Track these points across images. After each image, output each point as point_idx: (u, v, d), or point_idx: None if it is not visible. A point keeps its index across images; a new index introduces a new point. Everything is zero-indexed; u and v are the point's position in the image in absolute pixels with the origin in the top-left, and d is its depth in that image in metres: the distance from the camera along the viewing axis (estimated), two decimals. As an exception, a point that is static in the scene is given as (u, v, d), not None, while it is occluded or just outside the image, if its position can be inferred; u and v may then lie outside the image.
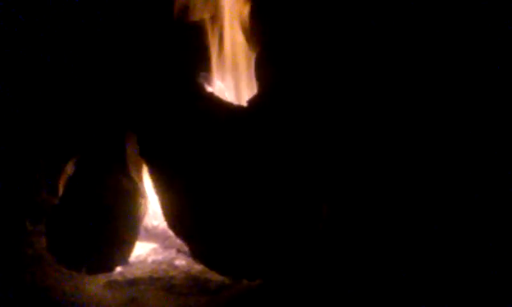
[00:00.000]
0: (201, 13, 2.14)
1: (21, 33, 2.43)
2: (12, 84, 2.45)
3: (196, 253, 2.21)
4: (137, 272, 2.23)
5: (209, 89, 2.15)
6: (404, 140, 2.33)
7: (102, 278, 2.18)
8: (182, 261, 2.29)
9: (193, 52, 2.17)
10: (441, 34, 2.36)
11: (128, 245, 2.23)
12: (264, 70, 2.09)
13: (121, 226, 2.21)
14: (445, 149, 2.37)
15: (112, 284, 2.16)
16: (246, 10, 2.14)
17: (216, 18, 2.16)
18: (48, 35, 2.42)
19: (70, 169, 2.31)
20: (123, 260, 2.22)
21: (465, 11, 2.34)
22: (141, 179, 2.24)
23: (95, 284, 2.16)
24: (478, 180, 2.33)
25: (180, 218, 2.20)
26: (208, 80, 2.18)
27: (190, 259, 2.27)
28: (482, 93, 2.39)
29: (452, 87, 2.39)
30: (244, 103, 2.12)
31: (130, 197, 2.22)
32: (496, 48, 2.37)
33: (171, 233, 2.30)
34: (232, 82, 2.25)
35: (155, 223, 2.40)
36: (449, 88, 2.39)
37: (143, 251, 2.34)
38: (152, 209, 2.37)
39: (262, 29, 2.12)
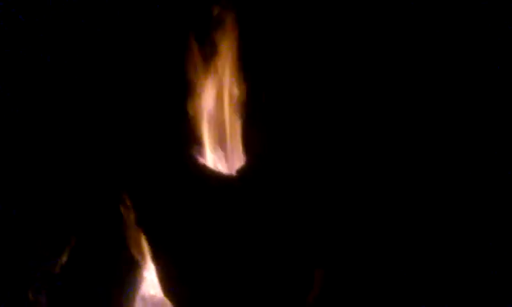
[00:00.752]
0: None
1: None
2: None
3: (191, 323, 2.26)
4: (134, 342, 2.27)
5: (201, 160, 2.29)
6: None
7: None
8: (178, 331, 2.32)
9: (186, 127, 2.32)
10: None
11: (124, 314, 2.28)
12: (250, 140, 2.24)
13: (119, 295, 2.27)
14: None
15: (109, 355, 2.19)
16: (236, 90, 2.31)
17: (207, 96, 2.33)
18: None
19: (72, 241, 2.41)
20: (120, 329, 2.26)
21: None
22: (138, 248, 2.32)
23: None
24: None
25: (175, 287, 2.27)
26: (201, 153, 2.33)
27: (187, 329, 2.30)
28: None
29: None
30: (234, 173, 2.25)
31: (128, 267, 2.29)
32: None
33: (167, 303, 2.36)
34: (222, 153, 2.38)
35: (152, 292, 2.45)
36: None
37: (140, 320, 2.38)
38: (150, 278, 2.43)
39: (247, 100, 2.28)
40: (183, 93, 2.31)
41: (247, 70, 2.27)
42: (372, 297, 2.29)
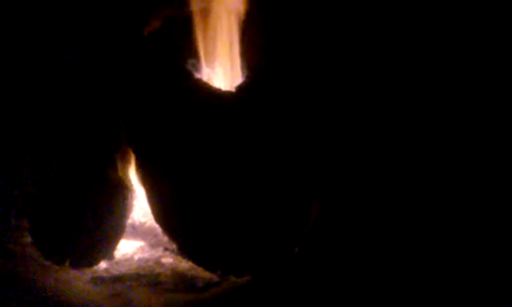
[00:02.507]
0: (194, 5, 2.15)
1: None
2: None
3: (183, 249, 2.17)
4: (122, 269, 2.18)
5: (197, 75, 2.15)
6: (396, 136, 2.33)
7: (87, 274, 2.13)
8: (169, 259, 2.24)
9: (182, 41, 2.16)
10: (441, 34, 2.39)
11: (113, 239, 2.18)
12: (253, 56, 2.10)
13: (106, 220, 2.16)
14: (437, 144, 2.36)
15: (97, 280, 2.11)
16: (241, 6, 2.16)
17: (207, 10, 2.17)
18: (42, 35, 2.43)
19: (56, 164, 2.28)
20: (108, 255, 2.17)
21: (465, 11, 2.37)
22: (128, 173, 2.21)
23: (79, 280, 2.11)
24: (477, 180, 2.32)
25: (167, 213, 2.17)
26: (197, 68, 2.19)
27: (177, 258, 2.23)
28: (482, 93, 2.40)
29: (451, 87, 2.40)
30: (233, 89, 2.12)
31: (116, 191, 2.18)
32: (496, 48, 2.39)
33: (158, 230, 2.27)
34: (220, 69, 2.24)
35: (142, 220, 2.36)
36: (448, 88, 2.39)
37: (129, 248, 2.29)
38: (140, 206, 2.33)
39: (257, 22, 2.14)
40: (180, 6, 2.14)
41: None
42: (366, 233, 2.23)
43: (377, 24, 2.35)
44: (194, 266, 2.17)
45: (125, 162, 2.19)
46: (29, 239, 2.22)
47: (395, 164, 2.32)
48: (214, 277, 2.12)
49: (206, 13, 2.16)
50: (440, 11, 2.39)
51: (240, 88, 2.06)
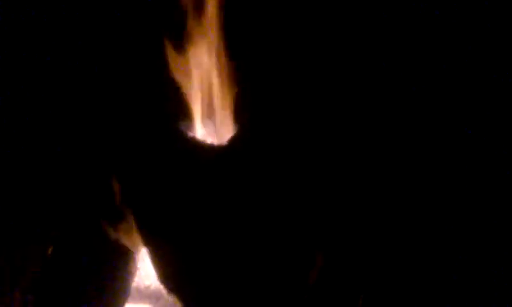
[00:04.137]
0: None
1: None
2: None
3: (190, 309, 2.14)
4: (129, 335, 2.15)
5: (190, 134, 2.19)
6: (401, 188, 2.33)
7: (92, 343, 2.10)
8: (175, 321, 2.21)
9: (174, 102, 2.22)
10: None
11: (118, 305, 2.15)
12: (242, 109, 2.13)
13: (110, 285, 2.15)
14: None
15: (103, 349, 2.07)
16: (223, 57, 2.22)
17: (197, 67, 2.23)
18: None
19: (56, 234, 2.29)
20: (114, 322, 2.14)
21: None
22: (130, 235, 2.20)
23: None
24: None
25: (172, 273, 2.16)
26: (189, 127, 2.22)
27: (184, 319, 2.19)
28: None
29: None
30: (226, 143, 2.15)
31: (119, 255, 2.18)
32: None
33: (163, 292, 2.25)
34: (212, 127, 2.28)
35: (147, 283, 2.33)
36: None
37: (135, 313, 2.26)
38: (144, 269, 2.32)
39: (238, 75, 2.19)
40: (168, 66, 2.20)
41: (237, 39, 2.18)
42: (371, 281, 2.20)
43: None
44: (202, 327, 2.13)
45: (126, 225, 2.18)
46: (35, 313, 2.21)
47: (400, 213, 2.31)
48: (222, 338, 2.08)
49: (194, 71, 2.22)
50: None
51: (231, 141, 2.09)
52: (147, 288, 2.33)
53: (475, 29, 2.44)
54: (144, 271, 2.33)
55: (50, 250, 2.23)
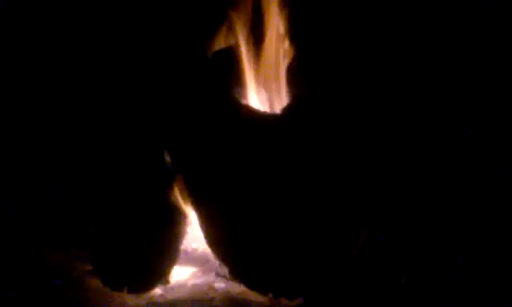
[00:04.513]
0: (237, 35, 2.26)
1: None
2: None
3: (235, 273, 2.22)
4: (177, 294, 2.24)
5: (244, 102, 2.24)
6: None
7: (143, 299, 2.20)
8: (221, 284, 2.29)
9: (229, 69, 2.27)
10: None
11: (168, 265, 2.25)
12: (295, 80, 2.17)
13: (162, 246, 2.25)
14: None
15: (152, 305, 2.17)
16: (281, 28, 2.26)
17: (252, 38, 2.28)
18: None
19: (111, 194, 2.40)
20: (163, 280, 2.24)
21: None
22: (181, 198, 2.29)
23: (137, 305, 2.17)
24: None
25: (219, 237, 2.23)
26: (243, 94, 2.28)
27: (229, 283, 2.27)
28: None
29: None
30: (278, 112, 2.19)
31: (171, 216, 2.26)
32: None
33: (210, 256, 2.33)
34: (265, 95, 2.32)
35: (194, 246, 2.43)
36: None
37: (182, 274, 2.35)
38: (192, 232, 2.40)
39: (293, 44, 2.22)
40: (226, 36, 2.26)
41: (295, 11, 2.21)
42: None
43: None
44: (246, 290, 2.20)
45: (179, 188, 2.26)
46: (89, 268, 2.34)
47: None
48: (266, 301, 2.15)
49: (252, 41, 2.27)
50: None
51: (285, 110, 2.13)
52: (194, 251, 2.43)
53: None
54: (192, 234, 2.42)
55: (105, 208, 2.34)
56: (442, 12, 2.42)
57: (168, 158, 2.26)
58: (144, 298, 2.20)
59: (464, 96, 2.43)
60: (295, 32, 2.24)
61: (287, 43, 2.27)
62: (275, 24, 2.27)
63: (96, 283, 2.27)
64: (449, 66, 2.44)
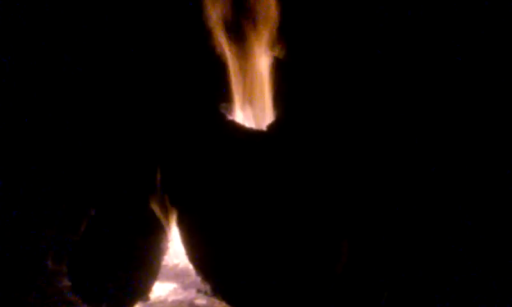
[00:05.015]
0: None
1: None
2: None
3: (217, 290, 2.19)
4: (157, 312, 2.21)
5: (230, 117, 2.23)
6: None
7: (122, 316, 2.16)
8: (202, 301, 2.26)
9: (215, 85, 2.26)
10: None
11: (148, 281, 2.22)
12: (281, 97, 2.18)
13: (142, 262, 2.21)
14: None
15: (132, 323, 2.13)
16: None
17: (240, 53, 2.28)
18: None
19: (93, 208, 2.35)
20: (143, 297, 2.20)
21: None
22: (164, 214, 2.26)
23: (115, 323, 2.13)
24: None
25: (202, 254, 2.21)
26: (229, 110, 2.27)
27: (210, 299, 2.24)
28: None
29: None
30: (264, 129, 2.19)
31: (152, 233, 2.23)
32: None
33: (191, 272, 2.30)
34: (251, 111, 2.32)
35: (175, 262, 2.40)
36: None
37: (163, 290, 2.32)
38: (173, 247, 2.37)
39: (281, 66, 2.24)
40: (211, 52, 2.25)
41: (283, 30, 2.21)
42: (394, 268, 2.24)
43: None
44: (228, 307, 2.19)
45: (161, 204, 2.24)
46: (67, 283, 2.27)
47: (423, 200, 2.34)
48: (248, 318, 2.14)
49: (239, 56, 2.27)
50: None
51: (270, 127, 2.13)
52: (175, 266, 2.39)
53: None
54: (173, 250, 2.39)
55: (85, 221, 2.29)
56: (429, 12, 2.45)
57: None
58: (123, 315, 2.16)
59: (448, 100, 2.46)
60: (282, 50, 2.24)
61: (272, 60, 2.27)
62: (262, 40, 2.27)
63: (74, 299, 2.21)
64: (435, 72, 2.47)
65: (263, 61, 2.27)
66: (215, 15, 2.19)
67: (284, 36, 2.22)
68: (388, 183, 2.33)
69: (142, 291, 2.20)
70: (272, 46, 2.25)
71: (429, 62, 2.47)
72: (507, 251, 2.20)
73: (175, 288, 2.34)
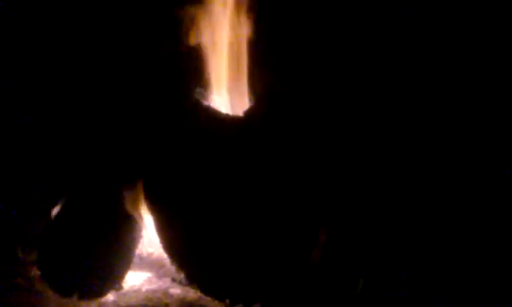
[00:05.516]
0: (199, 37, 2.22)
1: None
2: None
3: (192, 278, 2.17)
4: (130, 301, 2.17)
5: (206, 103, 2.20)
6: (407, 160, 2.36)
7: (95, 305, 2.11)
8: (177, 290, 2.23)
9: (190, 71, 2.22)
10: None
11: (121, 270, 2.18)
12: (258, 82, 2.15)
13: (114, 251, 2.17)
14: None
15: (104, 313, 2.09)
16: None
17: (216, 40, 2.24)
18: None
19: (64, 197, 2.30)
20: (116, 286, 2.16)
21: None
22: (136, 203, 2.22)
23: (87, 313, 2.09)
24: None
25: (176, 242, 2.18)
26: (205, 96, 2.23)
27: (185, 288, 2.22)
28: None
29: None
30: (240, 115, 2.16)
31: (124, 221, 2.19)
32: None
33: (165, 261, 2.27)
34: (226, 96, 2.29)
35: (150, 250, 2.35)
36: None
37: (137, 280, 2.28)
38: (147, 236, 2.33)
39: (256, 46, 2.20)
40: (190, 35, 2.21)
41: (258, 11, 2.18)
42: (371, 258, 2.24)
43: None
44: (203, 296, 2.16)
45: (134, 192, 2.19)
46: (37, 273, 2.22)
47: (403, 189, 2.34)
48: (223, 307, 2.12)
49: (215, 43, 2.23)
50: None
51: (247, 113, 2.10)
52: (150, 255, 2.35)
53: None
54: (147, 238, 2.35)
55: (55, 210, 2.23)
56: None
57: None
58: (95, 304, 2.12)
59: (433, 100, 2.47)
60: (259, 34, 2.21)
61: (249, 45, 2.23)
62: (239, 25, 2.24)
63: (44, 289, 2.16)
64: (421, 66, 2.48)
65: (241, 45, 2.23)
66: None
67: (262, 15, 2.18)
68: (369, 171, 2.32)
69: (114, 280, 2.16)
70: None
71: (425, 61, 2.47)
72: (501, 249, 2.21)
73: (149, 277, 2.30)
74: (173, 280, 2.24)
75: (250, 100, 2.25)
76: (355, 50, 2.38)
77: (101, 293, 2.13)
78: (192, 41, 2.22)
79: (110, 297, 2.16)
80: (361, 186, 2.29)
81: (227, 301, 2.11)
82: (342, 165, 2.24)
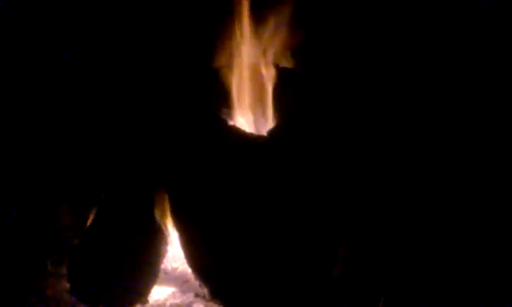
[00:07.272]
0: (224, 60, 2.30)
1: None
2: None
3: (216, 294, 2.21)
4: (155, 315, 2.22)
5: (231, 123, 2.27)
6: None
7: (120, 319, 2.17)
8: (200, 305, 2.27)
9: (216, 92, 2.29)
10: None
11: (147, 284, 2.23)
12: (281, 102, 2.21)
13: (142, 265, 2.23)
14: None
15: (130, 326, 2.14)
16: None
17: (237, 63, 2.32)
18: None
19: (93, 212, 2.37)
20: (142, 300, 2.22)
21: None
22: (163, 218, 2.28)
23: (113, 325, 2.15)
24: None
25: (201, 257, 2.23)
26: (230, 116, 2.30)
27: (208, 303, 2.26)
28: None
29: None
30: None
31: (152, 236, 2.25)
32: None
33: (189, 275, 2.32)
34: (251, 116, 2.35)
35: (174, 265, 2.41)
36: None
37: (161, 294, 2.33)
38: (172, 251, 2.39)
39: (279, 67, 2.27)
40: (215, 57, 2.29)
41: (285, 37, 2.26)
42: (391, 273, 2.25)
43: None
44: (226, 311, 2.20)
45: (161, 207, 2.26)
46: (66, 285, 2.29)
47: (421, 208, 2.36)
48: (246, 322, 2.15)
49: (239, 64, 2.30)
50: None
51: (271, 133, 2.16)
52: (174, 270, 2.41)
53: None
54: (172, 253, 2.41)
55: (87, 223, 2.31)
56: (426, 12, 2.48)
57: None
58: (121, 317, 2.18)
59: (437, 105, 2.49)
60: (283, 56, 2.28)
61: (272, 66, 2.31)
62: (262, 46, 2.31)
63: (73, 301, 2.23)
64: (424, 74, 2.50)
65: (264, 67, 2.30)
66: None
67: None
68: (387, 189, 2.34)
69: (141, 293, 2.22)
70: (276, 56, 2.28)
71: (429, 63, 2.49)
72: (506, 252, 2.21)
73: (173, 292, 2.35)
74: (197, 295, 2.29)
75: (274, 120, 2.30)
76: (379, 73, 2.43)
77: (127, 306, 2.18)
78: (220, 63, 2.30)
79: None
80: (380, 205, 2.31)
81: (250, 317, 2.14)
82: (363, 184, 2.27)
